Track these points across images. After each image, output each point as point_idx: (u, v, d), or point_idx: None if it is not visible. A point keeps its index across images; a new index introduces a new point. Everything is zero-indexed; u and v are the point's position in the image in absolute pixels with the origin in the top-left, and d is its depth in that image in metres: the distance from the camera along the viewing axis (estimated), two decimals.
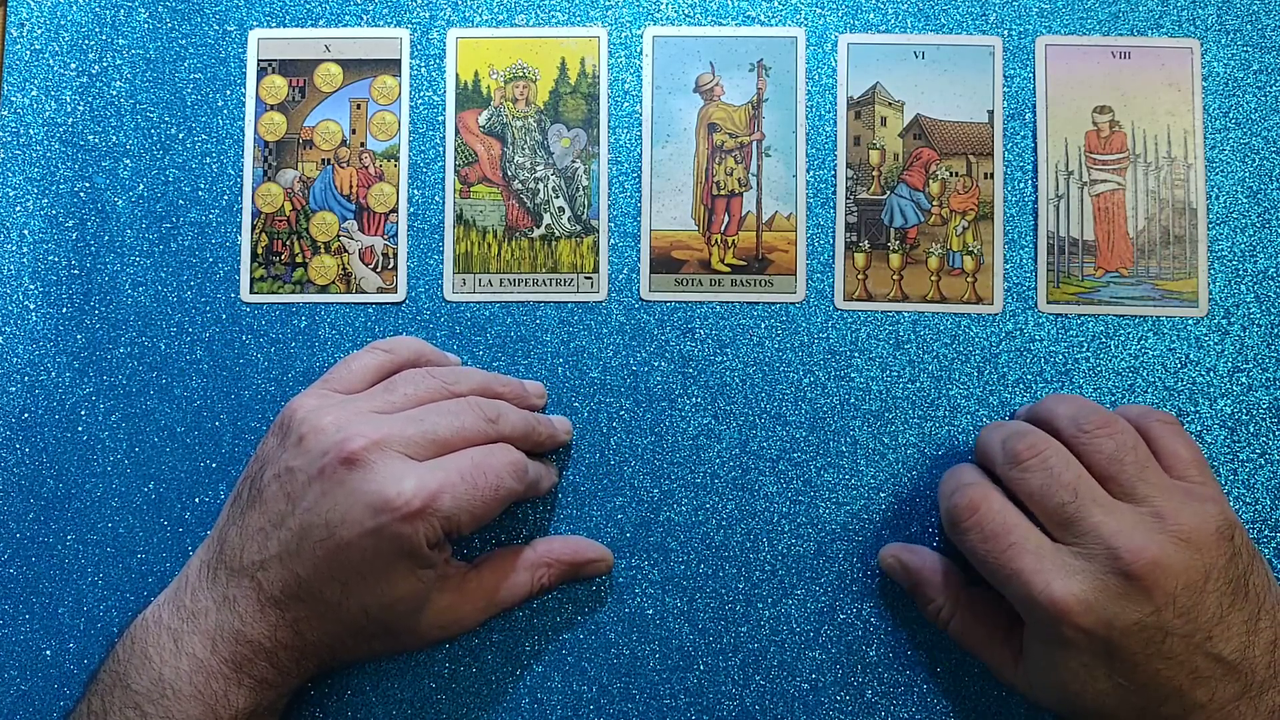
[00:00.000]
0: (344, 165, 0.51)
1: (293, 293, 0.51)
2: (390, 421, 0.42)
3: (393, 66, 0.51)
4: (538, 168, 0.51)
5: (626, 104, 0.51)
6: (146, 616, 0.42)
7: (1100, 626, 0.39)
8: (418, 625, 0.43)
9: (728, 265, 0.50)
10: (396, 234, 0.51)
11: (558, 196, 0.51)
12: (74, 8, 0.52)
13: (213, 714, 0.40)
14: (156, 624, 0.42)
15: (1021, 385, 0.49)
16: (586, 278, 0.50)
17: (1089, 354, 0.50)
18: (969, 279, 0.50)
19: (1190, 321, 0.50)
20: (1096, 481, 0.42)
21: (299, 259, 0.51)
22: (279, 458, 0.42)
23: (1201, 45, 0.51)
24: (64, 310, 0.50)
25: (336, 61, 0.52)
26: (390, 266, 0.51)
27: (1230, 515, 0.41)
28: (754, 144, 0.51)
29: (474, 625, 0.45)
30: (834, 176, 0.51)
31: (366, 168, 0.51)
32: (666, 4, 0.52)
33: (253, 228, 0.51)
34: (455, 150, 0.51)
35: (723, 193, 0.51)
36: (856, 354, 0.50)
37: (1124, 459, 0.41)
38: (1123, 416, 0.44)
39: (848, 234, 0.50)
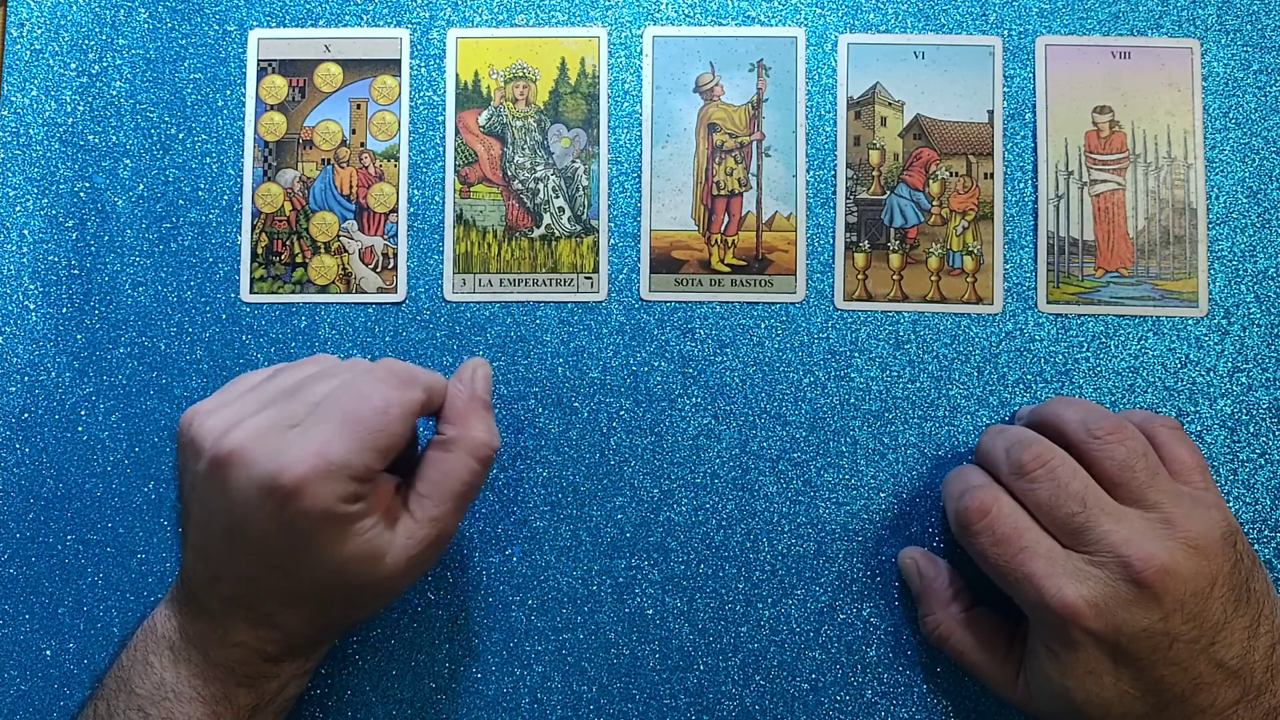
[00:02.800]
0: (344, 165, 0.51)
1: (293, 293, 0.51)
2: (269, 406, 0.40)
3: (393, 66, 0.51)
4: (538, 168, 0.51)
5: (626, 104, 0.51)
6: (146, 625, 0.43)
7: (1109, 631, 0.39)
8: (387, 570, 0.40)
9: (728, 265, 0.50)
10: (396, 234, 0.51)
11: (558, 196, 0.51)
12: (74, 8, 0.52)
13: (214, 714, 0.40)
14: (153, 633, 0.42)
15: (1021, 385, 0.49)
16: (586, 278, 0.50)
17: (1089, 354, 0.50)
18: (969, 279, 0.50)
19: (1190, 321, 0.50)
20: (1104, 487, 0.42)
21: (299, 259, 0.51)
22: (185, 469, 0.42)
23: (1201, 45, 0.51)
24: (64, 310, 0.50)
25: (336, 61, 0.51)
26: (390, 266, 0.51)
27: (1232, 521, 0.41)
28: (754, 144, 0.51)
29: (449, 532, 0.42)
30: (834, 176, 0.51)
31: (366, 168, 0.51)
32: (666, 4, 0.52)
33: (253, 228, 0.51)
34: (455, 150, 0.51)
35: (723, 193, 0.51)
36: (856, 354, 0.50)
37: (1135, 466, 0.41)
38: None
39: (848, 234, 0.50)
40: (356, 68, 0.51)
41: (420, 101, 0.51)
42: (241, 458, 0.39)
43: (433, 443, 0.43)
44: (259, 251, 0.51)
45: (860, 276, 0.50)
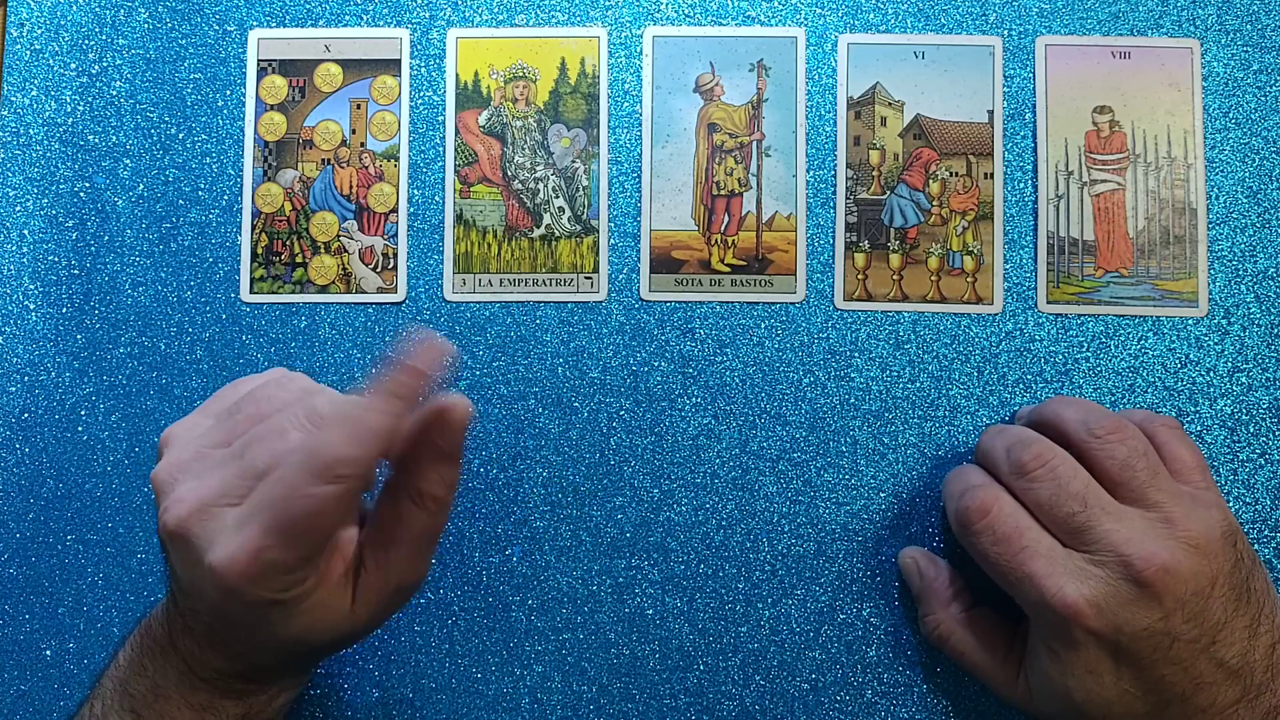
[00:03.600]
0: (344, 165, 0.51)
1: (293, 293, 0.51)
2: (212, 469, 0.38)
3: (393, 66, 0.51)
4: (538, 168, 0.51)
5: (626, 104, 0.51)
6: (145, 624, 0.42)
7: (1110, 630, 0.39)
8: (355, 623, 0.39)
9: (728, 265, 0.50)
10: (396, 234, 0.51)
11: (558, 196, 0.51)
12: (74, 8, 0.52)
13: None
14: (150, 635, 0.42)
15: (1021, 385, 0.49)
16: (586, 278, 0.50)
17: (1089, 354, 0.50)
18: (969, 279, 0.50)
19: (1190, 321, 0.50)
20: (1105, 487, 0.42)
21: (299, 259, 0.51)
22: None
23: (1201, 45, 0.51)
24: (64, 310, 0.50)
25: (336, 61, 0.51)
26: (390, 266, 0.51)
27: (1233, 521, 0.41)
28: (754, 144, 0.51)
29: (417, 578, 0.40)
30: (834, 176, 0.51)
31: (366, 168, 0.51)
32: (666, 4, 0.52)
33: (253, 228, 0.51)
34: (455, 150, 0.51)
35: (723, 193, 0.51)
36: (856, 354, 0.50)
37: (1136, 465, 0.41)
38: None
39: (848, 234, 0.50)
40: (356, 68, 0.51)
41: (420, 101, 0.51)
42: (185, 540, 0.37)
43: (386, 488, 0.39)
44: (259, 251, 0.51)
45: (860, 276, 0.50)
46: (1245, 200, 0.50)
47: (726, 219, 0.51)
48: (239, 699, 0.41)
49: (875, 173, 0.51)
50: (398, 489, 0.39)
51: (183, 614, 0.40)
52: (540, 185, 0.51)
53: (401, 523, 0.39)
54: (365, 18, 0.52)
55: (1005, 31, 0.51)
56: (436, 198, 0.51)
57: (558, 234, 0.51)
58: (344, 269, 0.51)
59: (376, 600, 0.39)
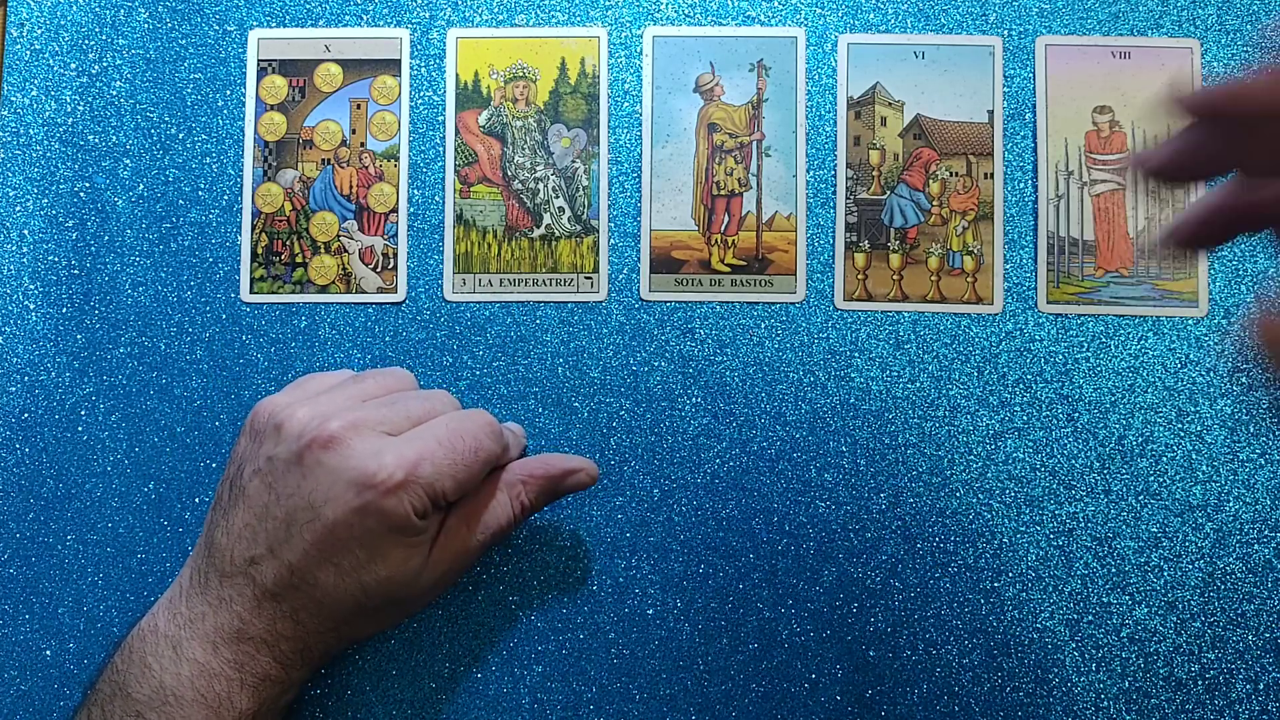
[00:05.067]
0: (344, 165, 0.51)
1: (293, 293, 0.51)
2: (364, 406, 0.43)
3: (393, 66, 0.51)
4: (538, 168, 0.51)
5: (626, 104, 0.51)
6: (143, 626, 0.42)
7: None
8: (417, 589, 0.43)
9: (728, 265, 0.50)
10: (396, 234, 0.51)
11: (558, 196, 0.51)
12: (74, 8, 0.52)
13: (216, 717, 0.40)
14: (154, 633, 0.42)
15: (1021, 385, 0.49)
16: (586, 278, 0.50)
17: (1089, 354, 0.50)
18: (969, 279, 0.50)
19: (1190, 321, 0.50)
20: None
21: (299, 259, 0.51)
22: (256, 453, 0.43)
23: (1201, 45, 0.51)
24: (64, 310, 0.50)
25: (336, 61, 0.52)
26: (390, 266, 0.51)
27: None
28: (754, 144, 0.51)
29: (472, 562, 0.45)
30: (834, 176, 0.51)
31: (366, 168, 0.51)
32: (666, 4, 0.52)
33: (253, 228, 0.51)
34: (455, 150, 0.51)
35: (723, 193, 0.51)
36: (856, 354, 0.50)
37: None
38: None
39: (848, 234, 0.50)
40: (356, 68, 0.51)
41: (420, 101, 0.51)
42: (342, 445, 0.41)
43: (489, 480, 0.45)
44: (259, 251, 0.51)
45: (860, 276, 0.50)
46: None
47: (726, 219, 0.51)
48: (254, 689, 0.41)
49: (875, 173, 0.51)
50: (501, 485, 0.45)
51: (224, 581, 0.41)
52: (540, 185, 0.51)
53: (490, 510, 0.44)
54: (365, 18, 0.52)
55: (1005, 31, 0.51)
56: (436, 198, 0.51)
57: (558, 234, 0.51)
58: (344, 269, 0.51)
59: (441, 569, 0.43)
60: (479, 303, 0.50)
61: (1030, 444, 0.49)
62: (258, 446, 0.43)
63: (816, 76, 0.51)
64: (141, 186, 0.51)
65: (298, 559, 0.41)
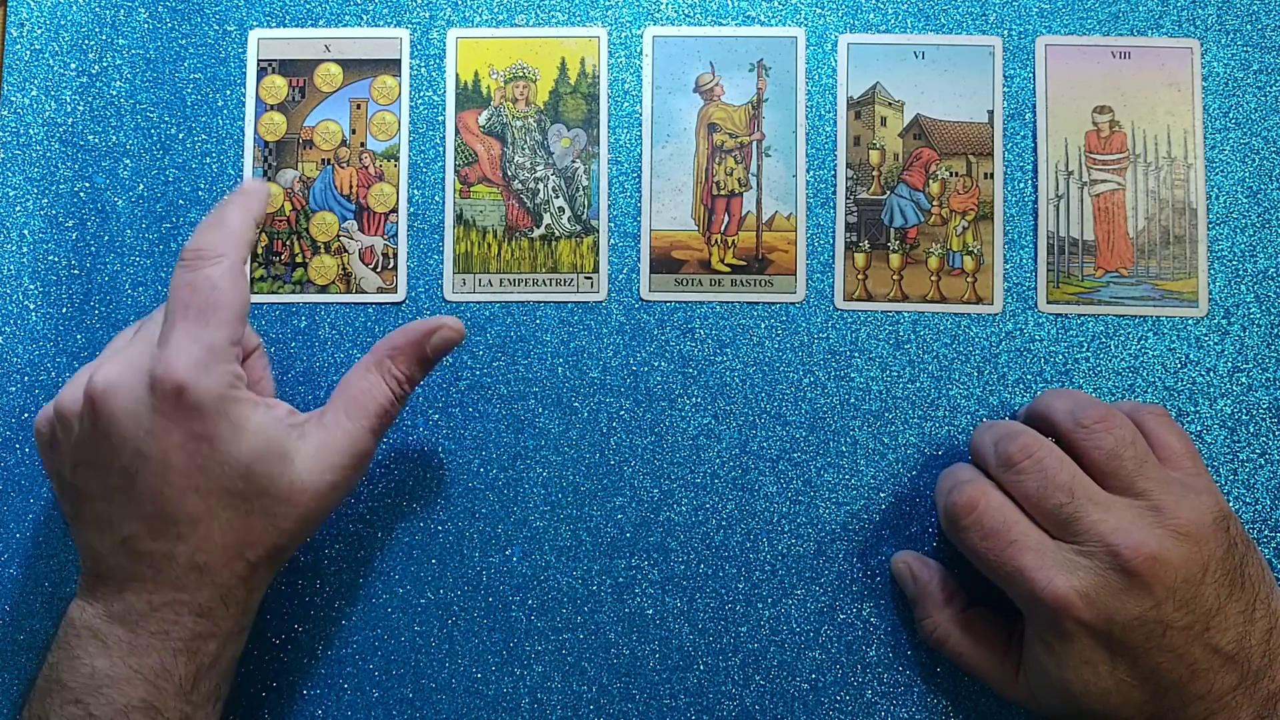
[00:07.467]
0: (344, 165, 0.51)
1: (293, 293, 0.51)
2: (119, 347, 0.44)
3: (393, 66, 0.51)
4: (538, 168, 0.51)
5: (626, 104, 0.51)
6: (69, 617, 0.42)
7: (1101, 621, 0.39)
8: (299, 477, 0.41)
9: (728, 265, 0.50)
10: (396, 234, 0.51)
11: (558, 196, 0.51)
12: (74, 8, 0.52)
13: (156, 688, 0.40)
14: (73, 627, 0.41)
15: (1021, 385, 0.49)
16: (586, 278, 0.50)
17: (1089, 354, 0.50)
18: (969, 279, 0.50)
19: (1190, 321, 0.50)
20: (1093, 477, 0.42)
21: (299, 259, 0.51)
22: (64, 445, 0.42)
23: (1201, 45, 0.51)
24: (64, 310, 0.50)
25: (336, 61, 0.52)
26: (390, 266, 0.51)
27: (1225, 506, 0.41)
28: (754, 144, 0.51)
29: (366, 451, 0.43)
30: (834, 176, 0.51)
31: (366, 168, 0.51)
32: (666, 4, 0.52)
33: None
34: (455, 150, 0.51)
35: (723, 193, 0.51)
36: (856, 354, 0.50)
37: (1123, 454, 0.41)
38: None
39: (848, 234, 0.50)
40: (356, 68, 0.51)
41: (420, 101, 0.51)
42: (120, 384, 0.40)
43: (356, 367, 0.45)
44: (259, 251, 0.51)
45: (860, 276, 0.50)
46: (1245, 200, 0.50)
47: (726, 219, 0.51)
48: (189, 652, 0.40)
49: (875, 173, 0.51)
50: (369, 365, 0.44)
51: (109, 570, 0.40)
52: (540, 185, 0.51)
53: (365, 393, 0.44)
54: (365, 18, 0.52)
55: (1005, 31, 0.51)
56: (436, 198, 0.51)
57: (558, 234, 0.51)
58: (344, 269, 0.51)
59: (327, 458, 0.42)
60: (479, 303, 0.50)
61: None
62: (59, 449, 0.42)
63: (816, 76, 0.51)
64: (141, 186, 0.51)
65: (157, 504, 0.40)
